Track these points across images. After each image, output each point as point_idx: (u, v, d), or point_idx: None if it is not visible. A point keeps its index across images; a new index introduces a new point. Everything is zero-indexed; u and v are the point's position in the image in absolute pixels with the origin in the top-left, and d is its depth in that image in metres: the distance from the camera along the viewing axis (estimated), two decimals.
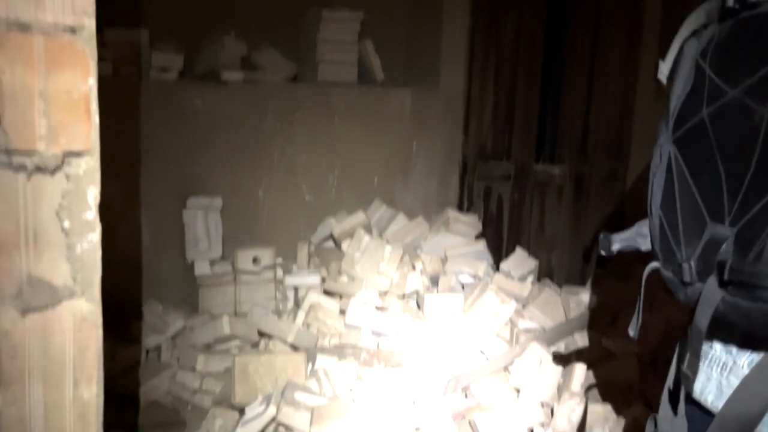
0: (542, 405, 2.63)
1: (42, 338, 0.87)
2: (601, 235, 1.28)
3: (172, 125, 3.18)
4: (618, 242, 1.25)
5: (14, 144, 0.82)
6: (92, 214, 0.89)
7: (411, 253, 3.53)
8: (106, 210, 0.92)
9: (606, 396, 2.65)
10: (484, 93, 3.86)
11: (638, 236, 1.22)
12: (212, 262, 3.21)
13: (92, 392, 0.92)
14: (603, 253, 1.27)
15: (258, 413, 2.31)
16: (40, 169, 0.84)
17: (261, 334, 2.97)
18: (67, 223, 0.87)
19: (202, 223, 3.18)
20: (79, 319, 0.90)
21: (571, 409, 2.49)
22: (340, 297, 3.22)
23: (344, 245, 3.39)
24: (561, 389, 2.67)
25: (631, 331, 1.22)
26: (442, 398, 2.61)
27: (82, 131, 0.88)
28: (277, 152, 3.46)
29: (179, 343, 2.89)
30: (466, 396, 2.71)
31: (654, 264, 1.12)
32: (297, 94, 3.51)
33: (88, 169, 0.87)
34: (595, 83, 3.87)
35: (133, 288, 3.02)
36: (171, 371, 2.70)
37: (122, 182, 2.98)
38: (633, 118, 3.95)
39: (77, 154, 0.87)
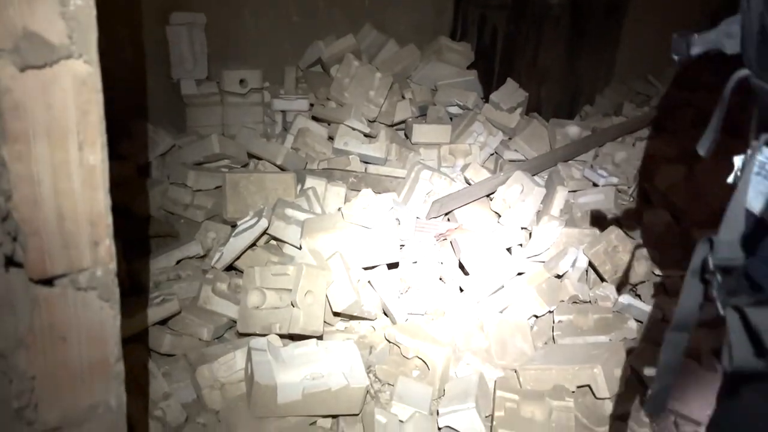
0: (521, 229, 2.76)
1: (43, 97, 0.87)
2: (675, 35, 1.08)
3: None
4: (699, 44, 1.05)
5: None
6: None
7: (401, 81, 3.48)
8: None
9: (582, 221, 2.78)
10: None
11: (725, 36, 1.02)
12: (198, 82, 3.14)
13: (97, 157, 0.94)
14: (676, 57, 1.08)
15: (250, 225, 2.39)
16: None
17: (250, 155, 3.00)
18: None
19: (187, 41, 3.06)
20: (78, 82, 0.89)
21: (548, 231, 2.61)
22: (329, 123, 3.22)
23: (333, 70, 3.32)
24: (540, 214, 2.79)
25: (701, 150, 1.07)
26: (426, 219, 2.72)
27: None
28: None
29: (169, 161, 2.91)
30: (449, 219, 2.82)
31: (743, 72, 0.97)
32: None
33: None
34: None
35: (120, 106, 2.97)
36: (162, 187, 2.75)
37: None
38: None
39: None
